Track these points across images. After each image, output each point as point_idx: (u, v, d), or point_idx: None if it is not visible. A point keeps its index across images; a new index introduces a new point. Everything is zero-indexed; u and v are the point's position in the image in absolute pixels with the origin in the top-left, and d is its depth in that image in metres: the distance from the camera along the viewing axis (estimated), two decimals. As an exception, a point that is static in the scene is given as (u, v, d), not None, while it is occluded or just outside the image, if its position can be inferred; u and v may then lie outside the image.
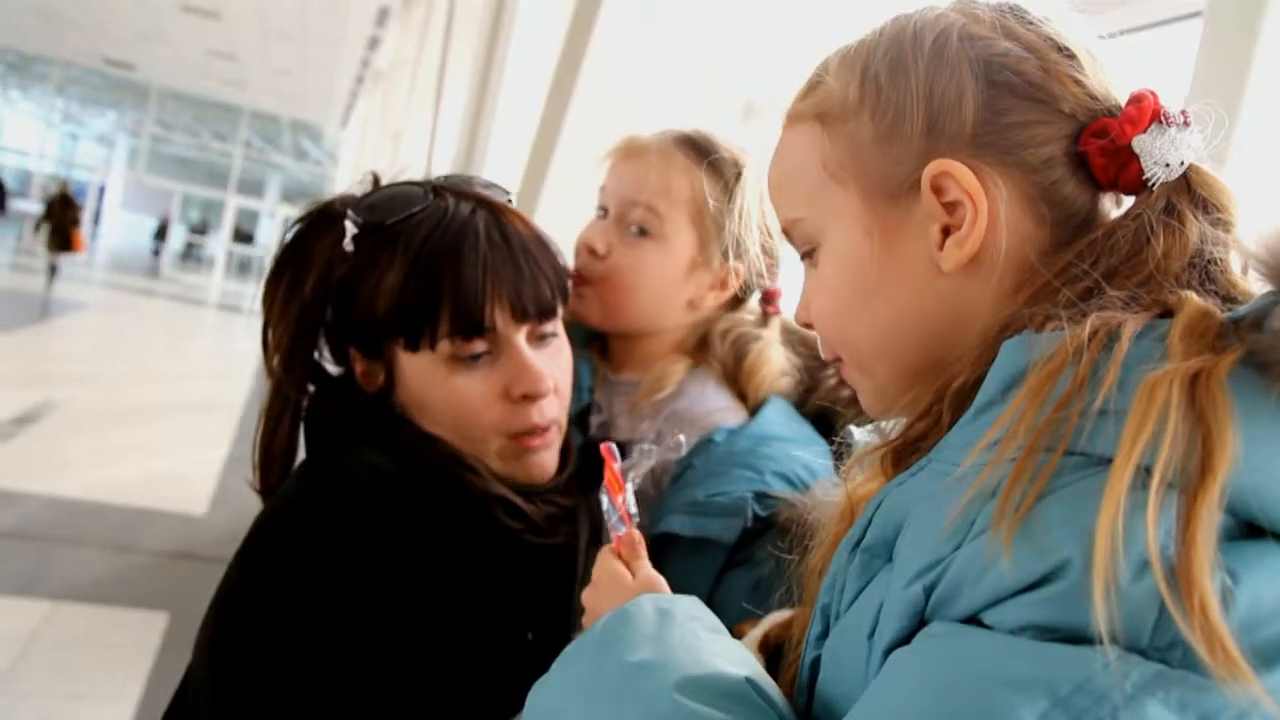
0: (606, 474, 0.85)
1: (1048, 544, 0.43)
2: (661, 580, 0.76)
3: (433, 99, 5.77)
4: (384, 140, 10.53)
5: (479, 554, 0.90)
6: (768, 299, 1.17)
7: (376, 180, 1.03)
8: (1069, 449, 0.46)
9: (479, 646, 0.88)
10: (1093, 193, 0.62)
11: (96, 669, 2.95)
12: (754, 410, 1.10)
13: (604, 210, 1.15)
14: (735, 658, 0.59)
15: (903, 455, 0.62)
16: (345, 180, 17.81)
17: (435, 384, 0.93)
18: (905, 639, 0.48)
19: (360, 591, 0.82)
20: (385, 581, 0.83)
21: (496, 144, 3.88)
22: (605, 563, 0.79)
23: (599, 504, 0.85)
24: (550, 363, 0.96)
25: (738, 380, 1.13)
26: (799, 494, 0.93)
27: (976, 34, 0.62)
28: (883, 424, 0.75)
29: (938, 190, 0.61)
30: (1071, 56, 0.62)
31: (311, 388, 1.00)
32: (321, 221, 0.99)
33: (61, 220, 12.38)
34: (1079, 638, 0.41)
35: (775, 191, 0.73)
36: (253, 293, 17.95)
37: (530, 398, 0.94)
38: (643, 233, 1.11)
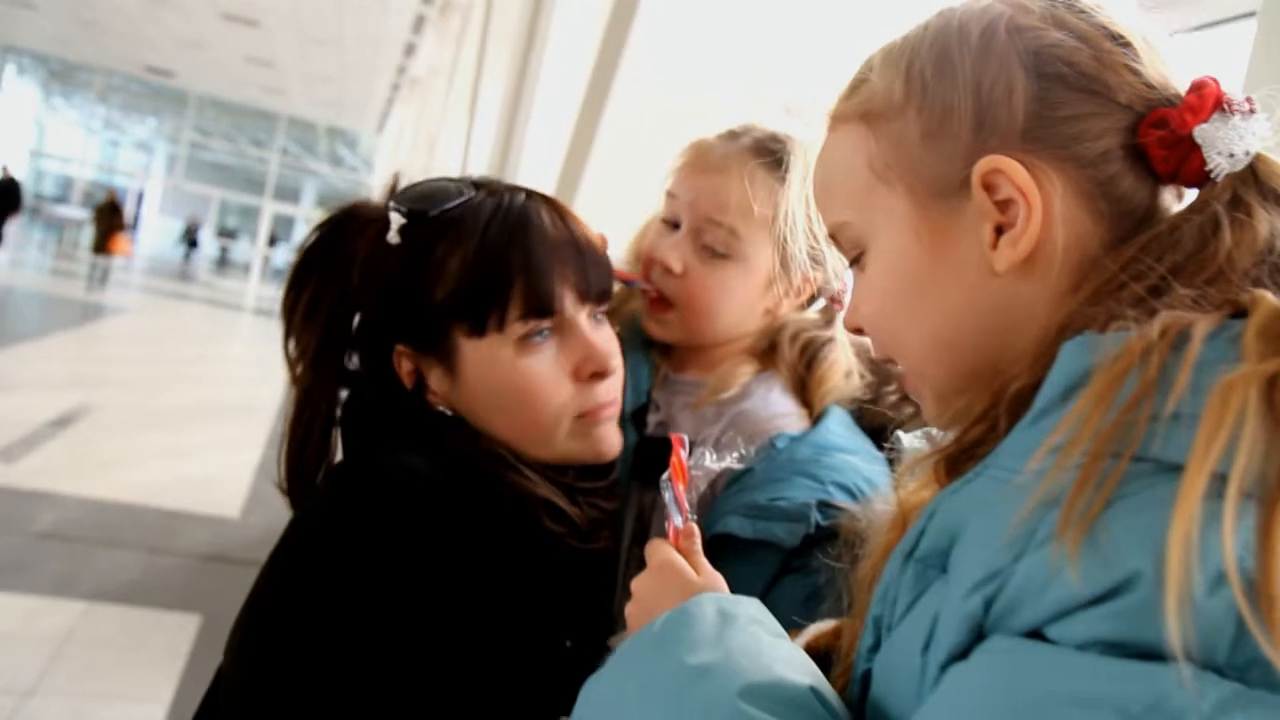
0: (673, 461, 0.83)
1: (1116, 555, 0.41)
2: (721, 579, 0.74)
3: (468, 105, 5.80)
4: (419, 146, 10.60)
5: (519, 560, 0.88)
6: (833, 299, 1.15)
7: (395, 184, 1.02)
8: (1137, 455, 0.44)
9: (517, 655, 0.87)
10: (1152, 186, 0.59)
11: (129, 670, 2.97)
12: (816, 419, 1.08)
13: (674, 222, 1.12)
14: (798, 665, 0.57)
15: (957, 462, 0.60)
16: (381, 186, 17.96)
17: (504, 367, 0.92)
18: (963, 653, 0.46)
19: (397, 598, 0.80)
20: (422, 588, 0.81)
21: (531, 149, 3.89)
22: (661, 552, 0.77)
23: (650, 502, 0.83)
24: (610, 343, 0.97)
25: (805, 387, 1.11)
26: (859, 506, 0.92)
27: (1025, 25, 0.60)
28: (933, 431, 0.73)
29: (989, 188, 0.59)
30: (1126, 45, 0.59)
31: (344, 392, 0.98)
32: (349, 223, 0.98)
33: (110, 225, 13.47)
34: (1150, 654, 0.39)
35: (821, 195, 0.71)
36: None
37: (600, 375, 0.95)
38: (723, 253, 1.08)
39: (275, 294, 19.44)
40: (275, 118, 24.82)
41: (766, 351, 1.13)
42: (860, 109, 0.66)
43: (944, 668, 0.47)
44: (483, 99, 5.62)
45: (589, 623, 0.95)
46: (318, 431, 0.96)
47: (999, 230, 0.59)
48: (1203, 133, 0.56)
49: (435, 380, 0.94)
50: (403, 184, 1.01)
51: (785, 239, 1.04)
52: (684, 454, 0.84)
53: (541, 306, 0.90)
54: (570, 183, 2.96)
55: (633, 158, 2.79)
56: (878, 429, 1.10)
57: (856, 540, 0.73)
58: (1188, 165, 0.57)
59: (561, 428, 0.94)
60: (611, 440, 0.98)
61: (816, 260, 1.05)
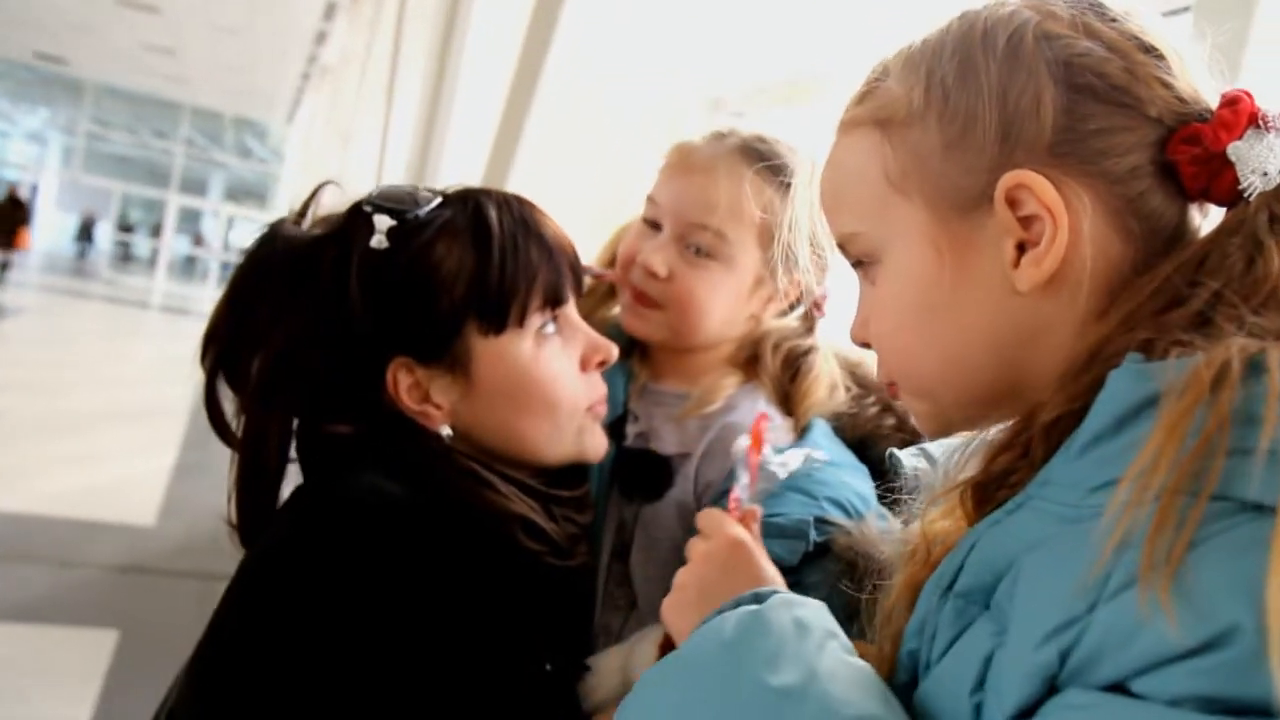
0: (754, 433, 0.79)
1: (1209, 605, 0.38)
2: (779, 574, 0.71)
3: (384, 96, 5.65)
4: (332, 137, 10.34)
5: (497, 584, 0.85)
6: (815, 304, 1.13)
7: (317, 193, 0.97)
8: (1216, 493, 0.41)
9: (498, 683, 0.83)
10: (1180, 204, 0.57)
11: (42, 692, 2.82)
12: (801, 432, 1.06)
13: (655, 224, 1.09)
14: (874, 690, 0.54)
15: (987, 490, 0.57)
16: (292, 179, 17.52)
17: (524, 361, 0.90)
18: (1032, 707, 0.44)
19: (376, 631, 0.76)
20: (402, 619, 0.77)
21: (454, 143, 3.81)
22: (729, 526, 0.72)
23: (633, 515, 0.83)
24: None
25: (789, 399, 1.09)
26: (853, 521, 0.90)
27: (1054, 32, 0.57)
28: (929, 447, 0.71)
29: (1013, 203, 0.57)
30: (1158, 56, 0.57)
31: (298, 416, 0.92)
32: (295, 234, 0.92)
33: (12, 220, 13.40)
34: (1250, 710, 0.37)
35: (830, 202, 0.68)
36: (198, 295, 17.61)
37: (602, 364, 0.96)
38: (708, 255, 1.05)
39: (183, 290, 18.85)
40: (179, 108, 23.95)
41: (749, 363, 1.11)
42: (875, 115, 0.63)
43: None
44: (400, 88, 5.49)
45: (568, 643, 0.92)
46: (274, 460, 0.89)
47: (1021, 248, 0.57)
48: (1236, 150, 0.54)
49: (440, 393, 0.90)
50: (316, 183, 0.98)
51: (788, 244, 1.03)
52: (766, 425, 0.79)
53: (558, 296, 0.91)
54: (497, 176, 2.90)
55: (563, 150, 2.76)
56: (858, 441, 1.08)
57: (855, 558, 0.71)
58: (1218, 183, 0.55)
59: (575, 421, 0.93)
60: (603, 439, 0.98)
61: (810, 265, 1.03)
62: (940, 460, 0.71)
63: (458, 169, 3.71)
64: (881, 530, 0.86)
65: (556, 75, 2.69)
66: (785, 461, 0.83)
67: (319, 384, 0.89)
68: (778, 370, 1.10)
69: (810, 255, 0.98)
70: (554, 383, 0.91)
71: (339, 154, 8.88)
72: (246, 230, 25.50)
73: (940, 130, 0.59)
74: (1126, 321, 0.53)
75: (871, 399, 1.11)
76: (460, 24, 3.85)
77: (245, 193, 27.10)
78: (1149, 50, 0.57)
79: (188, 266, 25.58)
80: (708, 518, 0.74)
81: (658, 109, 2.65)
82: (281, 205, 18.43)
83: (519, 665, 0.85)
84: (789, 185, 1.04)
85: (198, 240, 26.21)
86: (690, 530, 1.00)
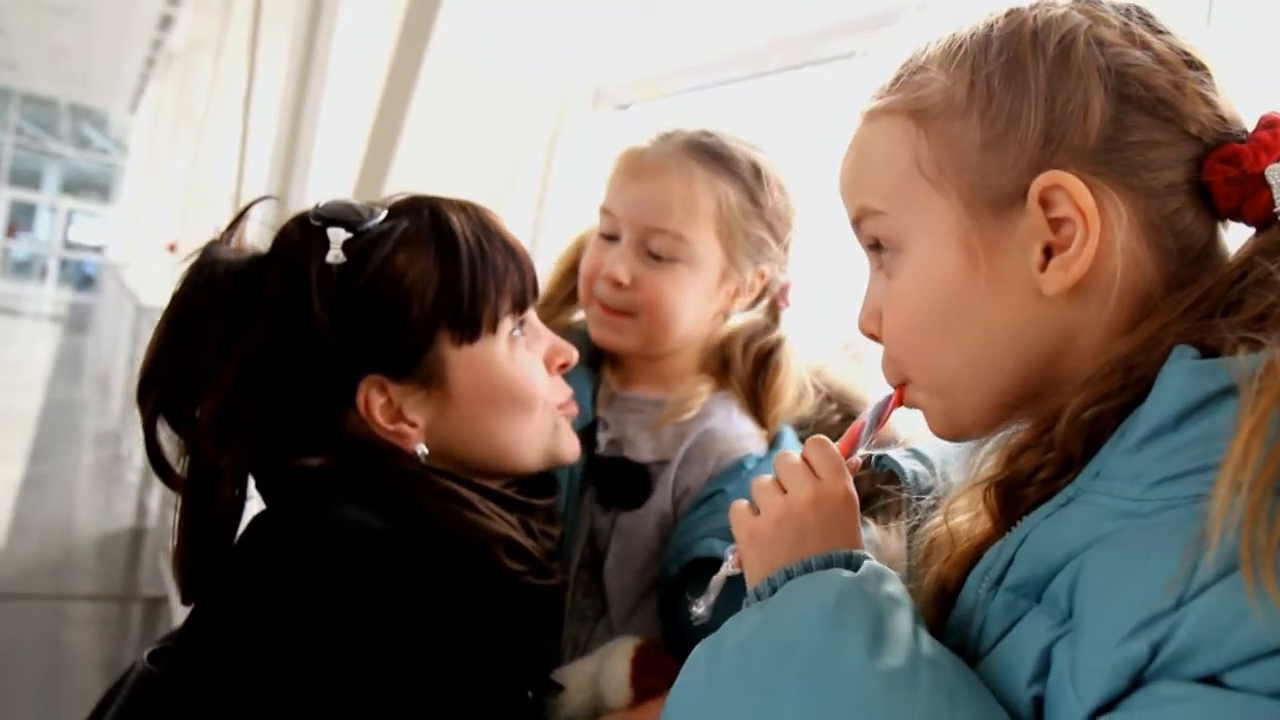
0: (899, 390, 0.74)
1: None
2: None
3: (243, 84, 5.39)
4: (184, 128, 9.83)
5: (480, 615, 0.82)
6: (779, 293, 1.15)
7: (240, 216, 0.93)
8: None
9: (483, 714, 0.81)
10: (1210, 222, 0.58)
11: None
12: (772, 441, 1.08)
13: (612, 236, 1.08)
14: (971, 675, 0.53)
15: (1012, 489, 0.57)
16: (138, 171, 16.60)
17: (501, 365, 0.89)
18: (1115, 700, 0.44)
19: (356, 669, 0.72)
20: (382, 656, 0.73)
21: (324, 137, 3.65)
22: (842, 472, 0.68)
23: (610, 523, 0.87)
24: None
25: (760, 405, 1.10)
26: None
27: (1106, 39, 0.57)
28: (922, 450, 0.71)
29: (1045, 204, 0.57)
30: (1205, 72, 0.58)
31: (258, 451, 0.85)
32: (228, 258, 0.87)
33: None
34: None
35: (851, 178, 0.66)
36: (36, 294, 16.49)
37: (565, 366, 0.96)
38: (670, 258, 1.05)
39: (16, 290, 17.61)
40: (7, 94, 22.35)
41: (720, 370, 1.12)
42: (911, 105, 0.62)
43: (1093, 716, 0.45)
44: (261, 77, 5.24)
45: (545, 664, 0.92)
46: (229, 503, 0.83)
47: (1048, 252, 0.57)
48: (1274, 172, 0.55)
49: (413, 409, 0.86)
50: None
51: (748, 234, 1.04)
52: (891, 399, 0.74)
53: (525, 299, 0.91)
54: (376, 173, 2.79)
55: (444, 143, 2.69)
56: None
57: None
58: (1252, 203, 0.56)
59: (550, 419, 0.93)
60: (575, 439, 0.98)
61: (764, 255, 1.06)
62: (937, 463, 0.71)
63: (330, 162, 3.57)
64: (865, 538, 0.86)
65: (437, 66, 2.61)
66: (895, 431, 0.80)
67: (281, 415, 0.84)
68: (748, 375, 1.11)
69: (772, 243, 1.00)
70: (529, 381, 0.91)
71: (194, 145, 8.44)
72: (87, 226, 24.06)
73: (981, 128, 0.59)
74: (1168, 326, 0.54)
75: (834, 406, 1.13)
76: (328, 11, 3.69)
77: (85, 185, 25.52)
78: (1195, 65, 0.58)
79: (25, 265, 23.93)
80: (822, 454, 0.69)
81: (540, 101, 2.61)
82: (128, 199, 17.42)
83: (503, 696, 0.84)
84: (741, 177, 1.05)
85: (10, 230, 24.16)
86: (665, 538, 1.00)
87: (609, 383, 1.14)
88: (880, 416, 0.73)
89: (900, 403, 0.72)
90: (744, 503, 0.70)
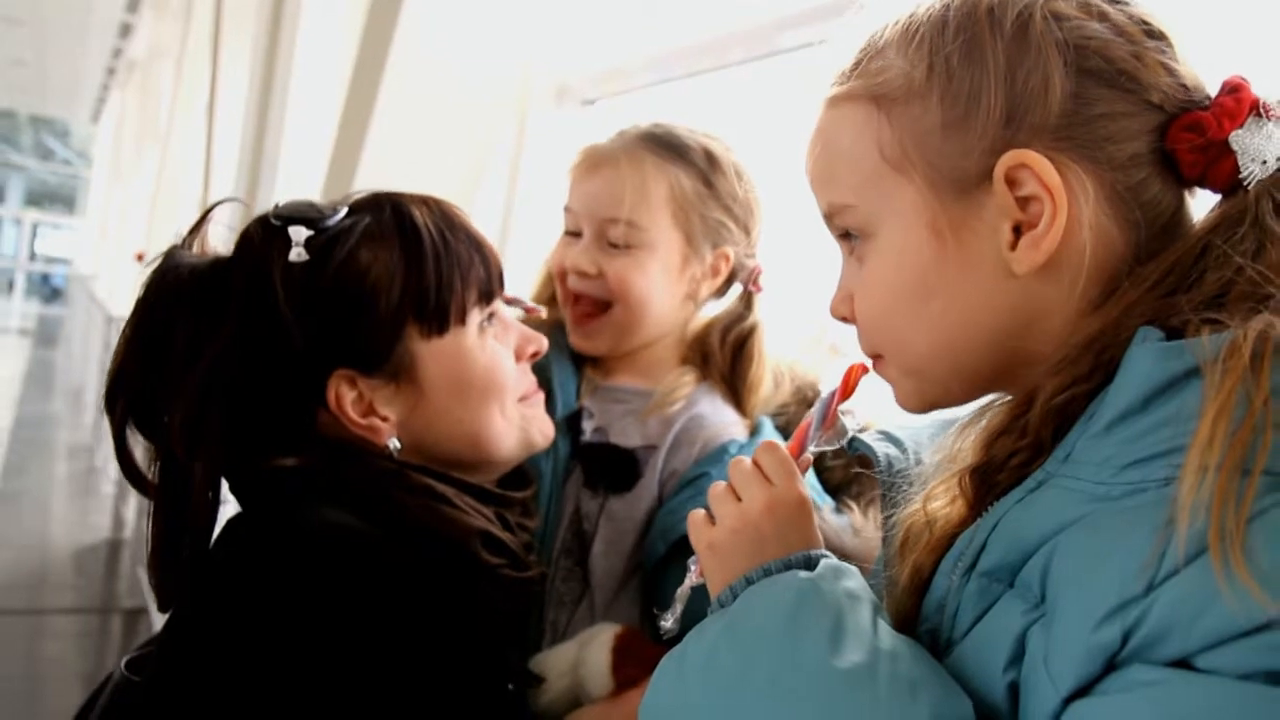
0: (845, 379, 0.75)
1: (1276, 582, 0.39)
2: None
3: (206, 91, 5.34)
4: (148, 137, 9.71)
5: (460, 610, 0.83)
6: (751, 277, 1.17)
7: (202, 220, 0.94)
8: (1266, 468, 0.42)
9: (467, 712, 0.81)
10: (1176, 191, 0.58)
11: None
12: (753, 430, 1.11)
13: (575, 233, 1.11)
14: (934, 666, 0.53)
15: (988, 475, 0.57)
16: (103, 181, 16.38)
17: (472, 355, 0.89)
18: (1089, 684, 0.44)
19: (339, 671, 0.73)
20: (365, 656, 0.74)
21: (290, 140, 3.63)
22: (794, 475, 0.69)
23: (598, 508, 0.86)
24: None
25: (738, 395, 1.13)
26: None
27: (1063, 13, 0.57)
28: (895, 432, 0.71)
29: (1012, 183, 0.57)
30: (1165, 41, 0.58)
31: (231, 453, 0.85)
32: (190, 260, 0.87)
33: None
34: None
35: (819, 174, 0.66)
36: (3, 309, 16.25)
37: (535, 356, 0.97)
38: (627, 245, 1.07)
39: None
40: (-35, 107, 22.00)
41: (702, 363, 1.15)
42: (871, 90, 0.61)
43: (1068, 701, 0.45)
44: (224, 83, 5.19)
45: (524, 655, 0.93)
46: (203, 507, 0.83)
47: (1017, 231, 0.57)
48: (1238, 139, 0.55)
49: (384, 404, 0.86)
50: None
51: (688, 216, 1.05)
52: (860, 379, 0.75)
53: (491, 290, 0.91)
54: (342, 175, 2.78)
55: (413, 146, 2.68)
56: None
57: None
58: (1216, 170, 0.56)
59: (519, 410, 0.94)
60: (549, 423, 0.99)
61: (723, 238, 1.08)
62: (910, 446, 0.71)
63: (296, 166, 3.54)
64: (839, 523, 0.87)
65: (401, 67, 2.60)
66: (856, 418, 0.81)
67: (253, 416, 0.84)
68: (727, 365, 1.14)
69: (731, 225, 1.02)
70: (499, 369, 0.91)
71: (160, 153, 8.34)
72: (53, 238, 23.73)
73: (942, 109, 0.59)
74: (1134, 305, 0.54)
75: (807, 398, 1.17)
76: (290, 13, 3.67)
77: (49, 197, 25.19)
78: (1155, 34, 0.58)
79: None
80: (773, 459, 0.69)
81: (505, 99, 2.61)
82: (94, 210, 17.20)
83: (485, 691, 0.84)
84: (693, 162, 1.07)
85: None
86: (651, 522, 1.02)
87: (592, 375, 1.17)
88: (827, 413, 0.74)
89: (850, 386, 0.74)
90: (701, 513, 0.71)
